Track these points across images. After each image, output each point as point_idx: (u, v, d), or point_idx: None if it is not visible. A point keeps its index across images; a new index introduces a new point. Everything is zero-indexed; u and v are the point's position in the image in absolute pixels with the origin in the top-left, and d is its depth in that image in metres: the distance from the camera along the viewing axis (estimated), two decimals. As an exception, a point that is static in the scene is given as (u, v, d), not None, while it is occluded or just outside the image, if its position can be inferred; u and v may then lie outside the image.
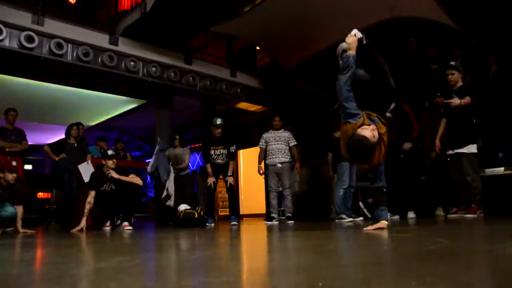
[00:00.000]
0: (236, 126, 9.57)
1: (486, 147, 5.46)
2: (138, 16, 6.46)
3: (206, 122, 7.91)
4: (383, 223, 2.88)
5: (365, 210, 6.09)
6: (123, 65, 6.72)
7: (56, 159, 6.05)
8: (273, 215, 5.58)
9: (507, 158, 5.26)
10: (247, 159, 10.51)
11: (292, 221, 5.37)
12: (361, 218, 5.34)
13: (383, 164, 2.88)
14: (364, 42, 2.93)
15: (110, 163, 4.95)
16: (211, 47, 9.49)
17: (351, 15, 6.60)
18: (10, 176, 4.55)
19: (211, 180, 5.48)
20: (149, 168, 6.79)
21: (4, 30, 5.54)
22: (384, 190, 2.92)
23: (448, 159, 4.80)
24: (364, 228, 2.99)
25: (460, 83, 4.65)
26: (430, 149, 5.23)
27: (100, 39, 6.62)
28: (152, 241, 3.16)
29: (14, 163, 5.51)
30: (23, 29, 5.72)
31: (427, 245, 1.87)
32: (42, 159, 13.00)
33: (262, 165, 5.81)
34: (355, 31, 2.93)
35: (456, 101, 4.51)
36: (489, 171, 5.13)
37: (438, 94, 5.41)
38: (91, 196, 4.83)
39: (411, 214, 5.09)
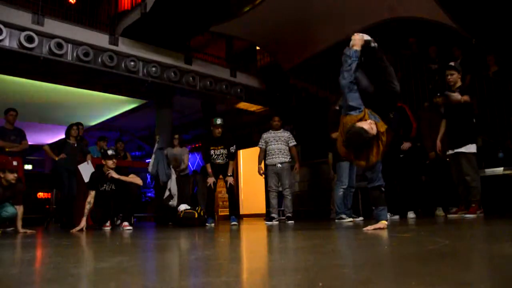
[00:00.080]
0: (236, 126, 9.57)
1: (486, 147, 5.46)
2: (138, 16, 6.45)
3: (206, 122, 7.92)
4: (383, 223, 2.89)
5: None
6: (123, 65, 6.72)
7: (56, 159, 6.04)
8: (273, 215, 5.58)
9: (507, 158, 5.26)
10: (247, 159, 10.51)
11: (292, 221, 5.37)
12: (361, 218, 5.35)
13: (381, 164, 2.90)
14: (372, 45, 2.96)
15: (110, 163, 4.94)
16: (211, 47, 9.50)
17: (351, 15, 6.62)
18: (11, 176, 4.53)
19: (211, 180, 5.48)
20: (149, 168, 6.78)
21: (4, 30, 5.53)
22: (382, 189, 2.93)
23: (448, 159, 4.81)
24: (364, 228, 2.99)
25: (459, 83, 4.66)
26: (429, 149, 5.24)
27: (100, 39, 6.61)
28: (152, 241, 3.16)
29: (15, 163, 5.50)
30: (23, 29, 5.71)
31: (427, 245, 1.88)
32: (42, 159, 12.99)
33: (262, 165, 5.81)
34: (362, 34, 2.98)
35: (457, 95, 4.51)
36: (489, 171, 5.13)
37: (438, 94, 5.41)
38: (91, 196, 4.82)
39: (411, 214, 5.10)
